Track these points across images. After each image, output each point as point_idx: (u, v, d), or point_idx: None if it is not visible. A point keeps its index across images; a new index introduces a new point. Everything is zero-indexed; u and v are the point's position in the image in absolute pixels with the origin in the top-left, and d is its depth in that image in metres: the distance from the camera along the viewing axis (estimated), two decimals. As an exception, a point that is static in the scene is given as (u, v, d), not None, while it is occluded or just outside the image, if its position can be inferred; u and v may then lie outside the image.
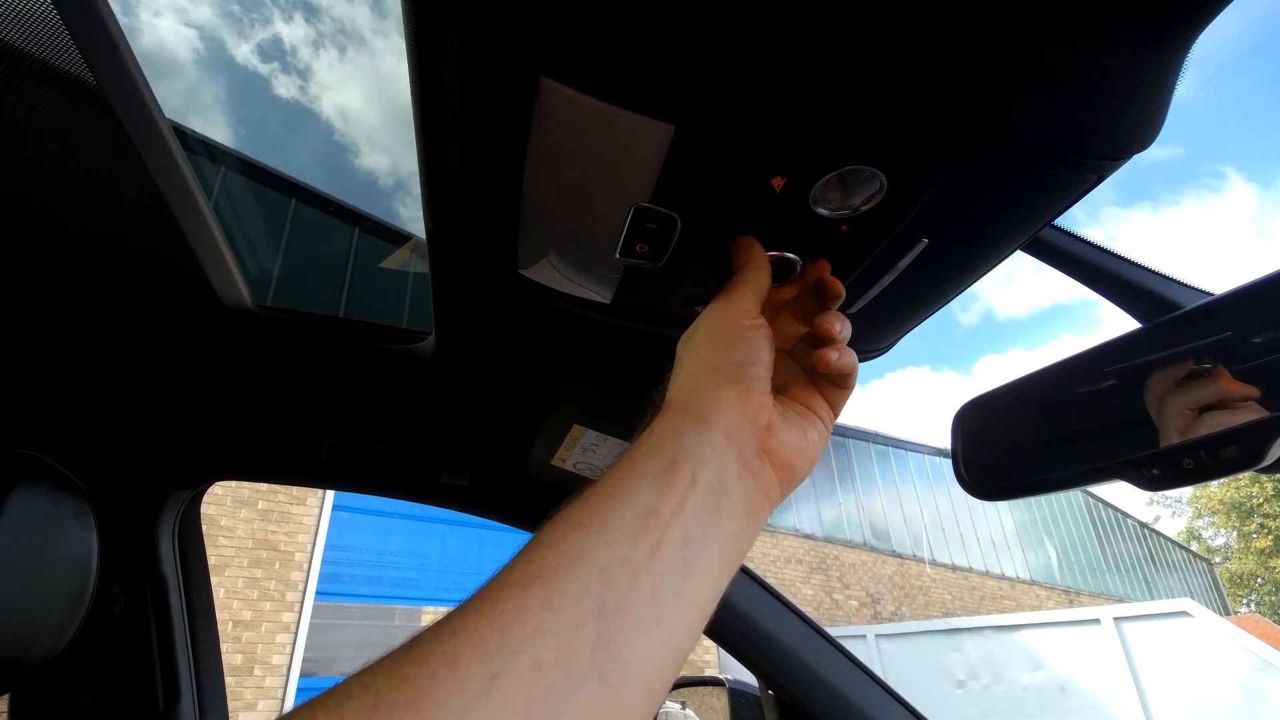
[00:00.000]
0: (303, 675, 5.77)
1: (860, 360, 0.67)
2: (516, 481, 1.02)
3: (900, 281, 0.53)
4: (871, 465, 12.52)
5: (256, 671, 5.50)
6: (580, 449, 0.88)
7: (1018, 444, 0.67)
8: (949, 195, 0.45)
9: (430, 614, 6.99)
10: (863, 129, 0.41)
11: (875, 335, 0.64)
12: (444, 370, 0.80)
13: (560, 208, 0.50)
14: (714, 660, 8.33)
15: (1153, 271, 0.65)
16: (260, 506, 5.97)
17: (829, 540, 10.87)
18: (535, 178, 0.47)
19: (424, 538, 7.08)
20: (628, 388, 0.73)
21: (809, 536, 10.62)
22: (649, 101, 0.40)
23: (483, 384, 0.82)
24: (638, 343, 0.65)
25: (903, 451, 13.22)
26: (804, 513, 10.80)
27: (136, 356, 0.82)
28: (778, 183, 0.44)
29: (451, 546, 7.24)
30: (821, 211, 0.46)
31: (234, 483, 5.87)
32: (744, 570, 1.08)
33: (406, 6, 0.39)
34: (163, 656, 0.95)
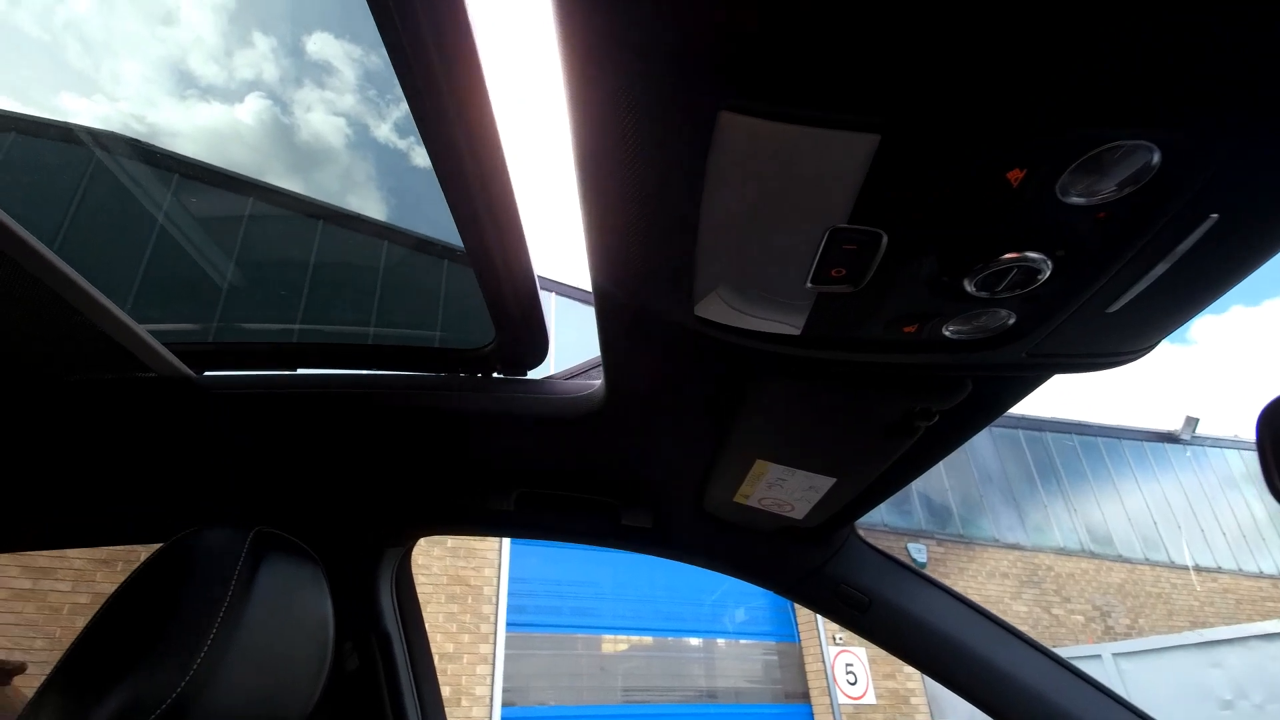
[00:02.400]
0: (504, 705, 6.03)
1: (1114, 365, 0.59)
2: (698, 520, 1.01)
3: (1174, 269, 0.45)
4: (1078, 460, 10.94)
5: (463, 703, 5.83)
6: (765, 484, 0.83)
7: None
8: (1246, 158, 0.37)
9: (609, 642, 7.07)
10: (1126, 93, 0.33)
11: (1135, 336, 0.55)
12: (617, 417, 0.82)
13: (742, 242, 0.47)
14: (919, 690, 7.61)
15: None
16: (450, 544, 6.43)
17: (1037, 549, 9.61)
18: (713, 214, 0.45)
19: (597, 567, 7.22)
20: (815, 418, 0.70)
21: (1013, 546, 9.46)
22: (847, 115, 0.36)
23: (657, 427, 0.83)
24: (829, 372, 0.62)
25: (1115, 440, 11.43)
26: (1002, 520, 9.65)
27: (355, 438, 0.91)
28: (1015, 176, 0.39)
29: (624, 576, 7.32)
30: (1074, 200, 0.40)
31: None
32: (949, 592, 1.00)
33: (566, 56, 0.37)
34: (394, 706, 1.01)
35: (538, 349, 0.85)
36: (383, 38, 0.47)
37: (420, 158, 0.59)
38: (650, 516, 1.02)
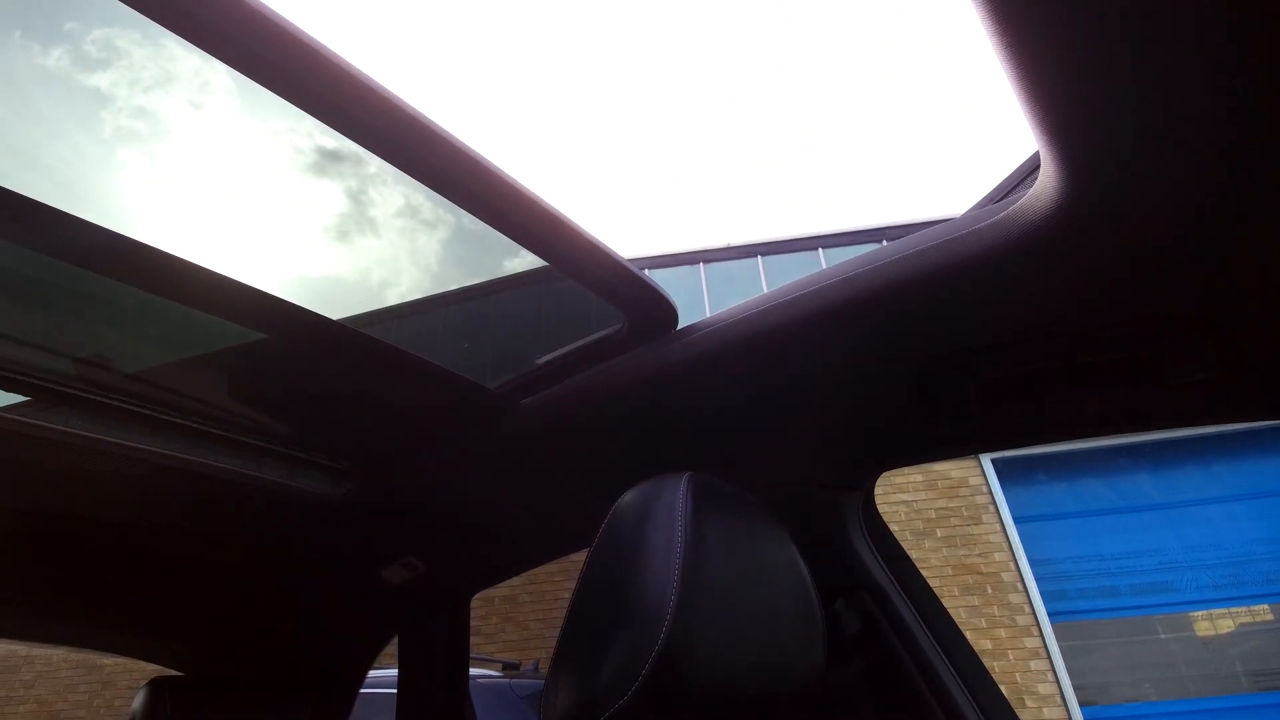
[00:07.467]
0: (1082, 705, 5.26)
1: None
2: None
3: None
4: None
5: (1029, 703, 5.26)
6: None
7: None
8: None
9: (1203, 620, 5.59)
10: None
11: None
12: (1086, 211, 0.54)
13: None
14: None
15: None
16: (939, 535, 5.99)
17: None
18: None
19: (1145, 531, 5.84)
20: None
21: None
22: None
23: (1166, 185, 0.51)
24: None
25: None
26: None
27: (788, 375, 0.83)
28: None
29: (1193, 534, 5.75)
30: None
31: (902, 518, 6.05)
32: None
33: None
34: (923, 671, 0.84)
35: (664, 310, 0.84)
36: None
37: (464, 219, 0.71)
38: (1212, 357, 0.64)
